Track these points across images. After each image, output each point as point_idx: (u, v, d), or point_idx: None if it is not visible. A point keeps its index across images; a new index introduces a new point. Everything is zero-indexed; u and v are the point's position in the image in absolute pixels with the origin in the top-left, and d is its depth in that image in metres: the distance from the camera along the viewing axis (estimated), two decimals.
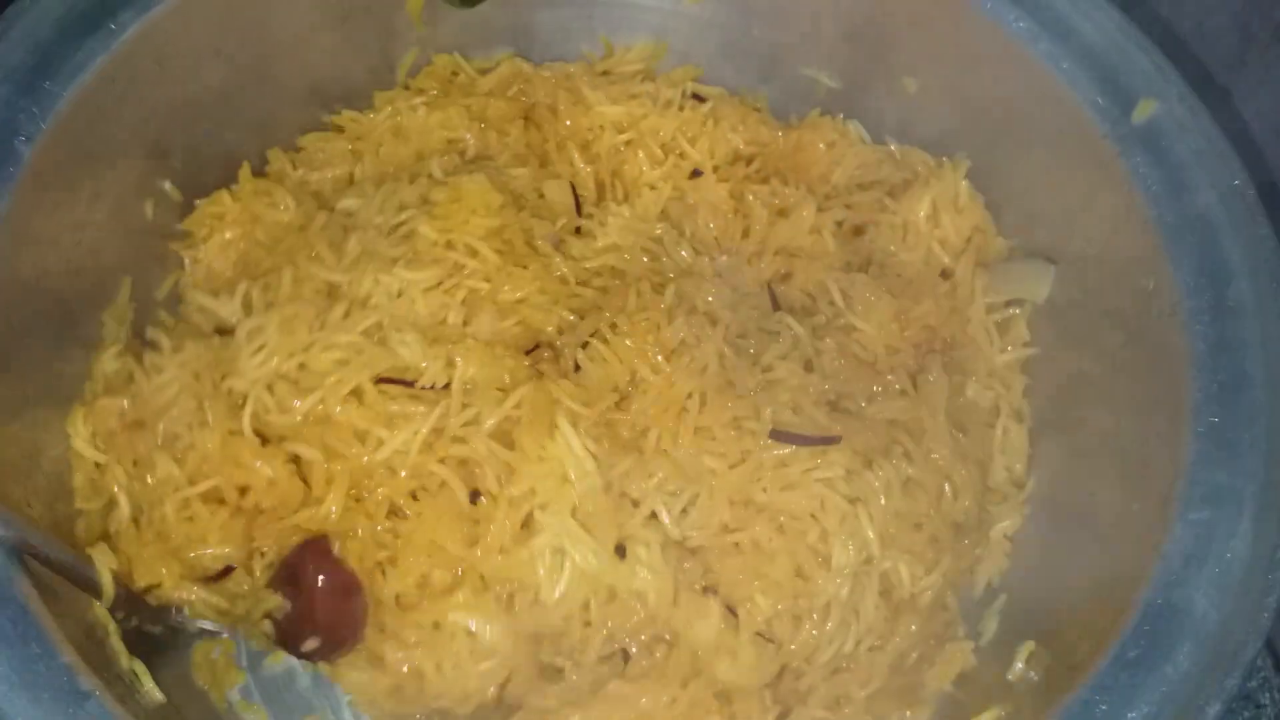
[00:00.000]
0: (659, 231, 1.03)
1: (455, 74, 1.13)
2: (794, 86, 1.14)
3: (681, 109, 1.11)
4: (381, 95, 1.11)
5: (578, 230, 1.03)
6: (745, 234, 1.05)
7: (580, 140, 1.09)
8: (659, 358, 0.90)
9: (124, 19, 0.89)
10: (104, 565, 0.79)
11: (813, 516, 0.87)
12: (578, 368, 0.91)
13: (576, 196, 1.05)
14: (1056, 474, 0.94)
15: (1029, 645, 0.85)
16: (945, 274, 1.03)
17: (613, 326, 0.91)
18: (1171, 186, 0.87)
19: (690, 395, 0.88)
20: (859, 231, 1.06)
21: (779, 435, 0.87)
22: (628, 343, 0.90)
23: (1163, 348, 0.83)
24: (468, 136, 1.07)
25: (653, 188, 1.07)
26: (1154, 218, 0.86)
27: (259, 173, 1.06)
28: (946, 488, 0.91)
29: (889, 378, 0.94)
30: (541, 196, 1.03)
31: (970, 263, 1.02)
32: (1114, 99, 0.91)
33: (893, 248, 1.04)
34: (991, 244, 1.04)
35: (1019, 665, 0.84)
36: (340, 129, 1.09)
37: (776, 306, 0.98)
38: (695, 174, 1.08)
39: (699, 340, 0.90)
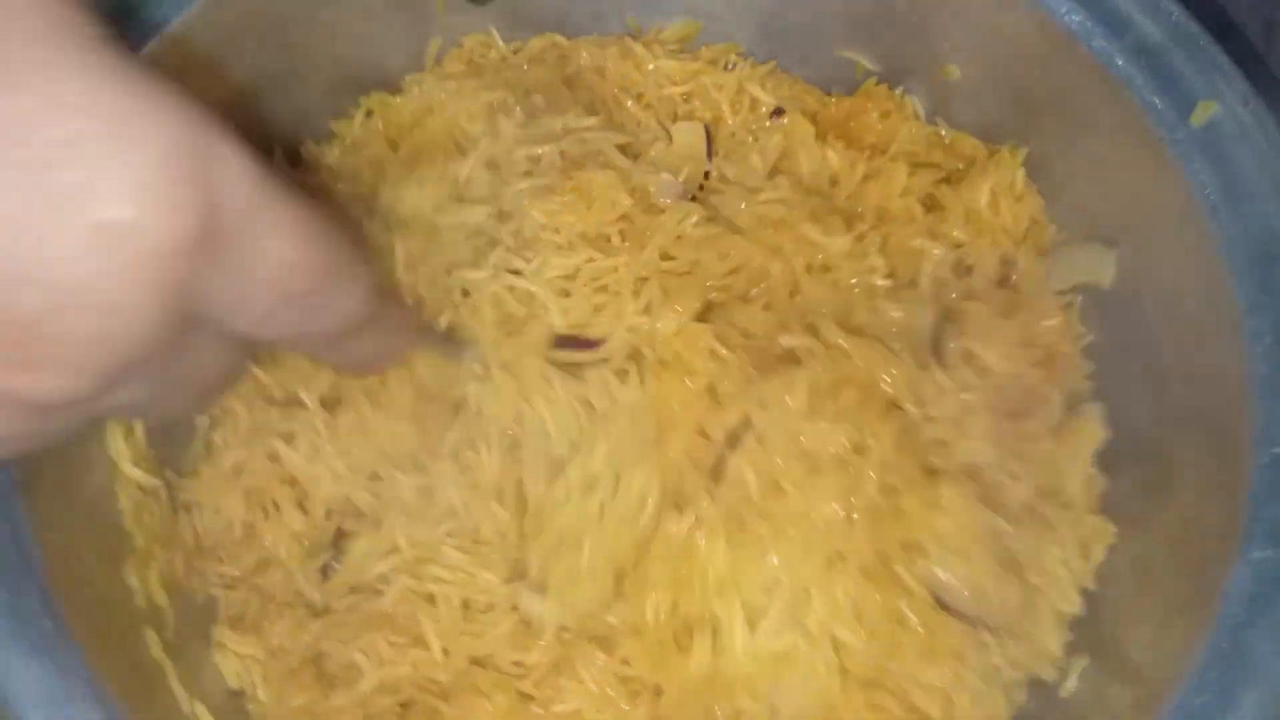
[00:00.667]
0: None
1: (486, 50, 1.10)
2: (833, 69, 1.11)
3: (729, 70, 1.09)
4: (410, 78, 1.09)
5: (706, 176, 1.00)
6: (834, 183, 1.03)
7: (635, 94, 1.07)
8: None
9: (166, 9, 0.87)
10: None
11: None
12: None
13: (709, 138, 1.02)
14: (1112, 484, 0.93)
15: (1082, 661, 0.86)
16: (1006, 261, 1.01)
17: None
18: (1232, 196, 0.84)
19: None
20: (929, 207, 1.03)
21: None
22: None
23: (1219, 369, 0.82)
24: (509, 99, 1.02)
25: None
26: (1212, 229, 0.84)
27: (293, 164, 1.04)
28: None
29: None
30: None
31: (1032, 253, 1.00)
32: (1172, 100, 0.88)
33: (957, 233, 1.01)
34: (1046, 233, 1.02)
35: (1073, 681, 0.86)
36: (370, 112, 1.06)
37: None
38: (777, 113, 1.06)
39: None
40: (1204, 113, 0.87)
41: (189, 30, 0.89)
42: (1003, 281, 1.00)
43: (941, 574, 0.83)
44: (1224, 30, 0.90)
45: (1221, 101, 0.87)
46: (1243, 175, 0.85)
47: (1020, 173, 1.02)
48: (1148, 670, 0.76)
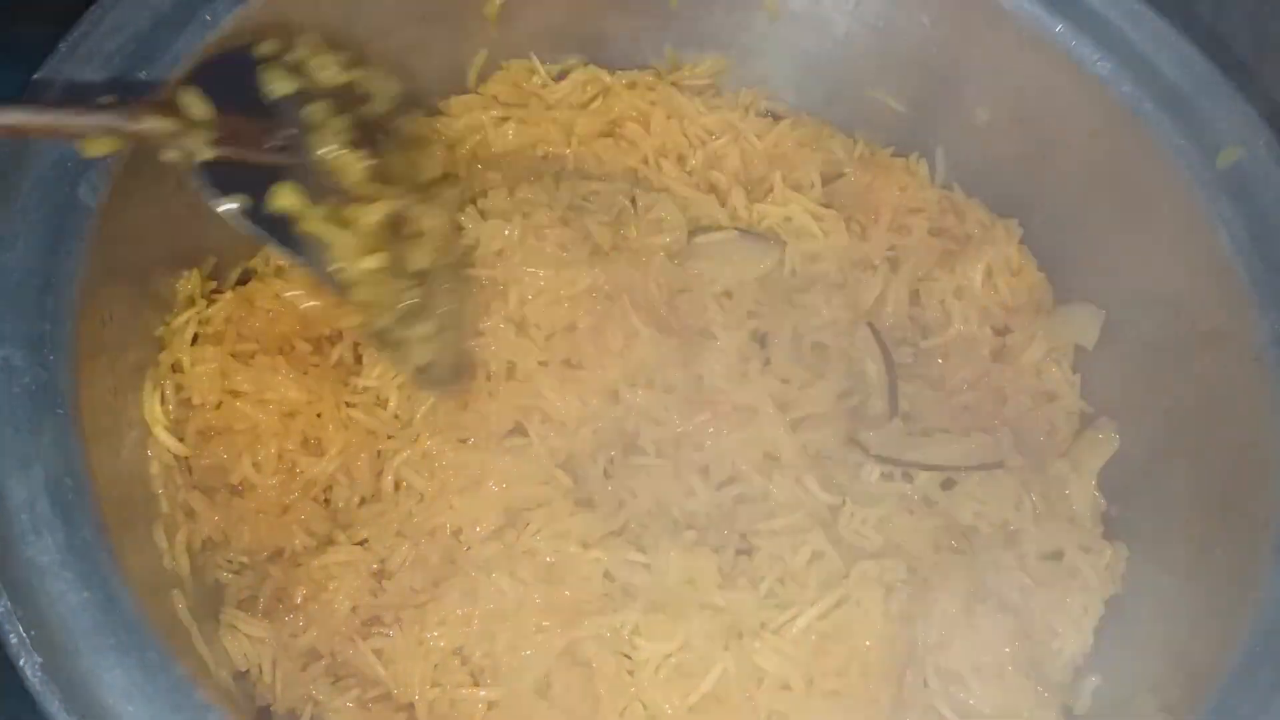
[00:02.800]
0: None
1: (530, 74, 1.13)
2: (861, 108, 1.15)
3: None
4: (459, 102, 1.11)
5: None
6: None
7: (676, 155, 1.10)
8: None
9: (218, 10, 0.88)
10: None
11: None
12: None
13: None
14: (1133, 507, 0.96)
15: (1093, 680, 0.88)
16: (999, 332, 1.05)
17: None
18: (1257, 233, 0.89)
19: None
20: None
21: None
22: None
23: (1246, 394, 0.85)
24: (566, 152, 1.07)
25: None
26: (1239, 263, 0.88)
27: None
28: None
29: None
30: None
31: (1029, 319, 1.04)
32: (1197, 143, 0.93)
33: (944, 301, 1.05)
34: (1046, 300, 1.06)
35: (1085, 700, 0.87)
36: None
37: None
38: None
39: None
40: (1230, 156, 0.91)
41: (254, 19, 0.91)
42: (996, 354, 1.03)
43: None
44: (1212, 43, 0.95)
45: (1247, 146, 0.91)
46: (1266, 215, 0.89)
47: (1016, 249, 1.06)
48: (1178, 673, 0.77)
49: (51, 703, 0.60)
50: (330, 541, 0.89)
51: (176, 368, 0.90)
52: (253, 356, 0.92)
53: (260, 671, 0.85)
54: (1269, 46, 1.05)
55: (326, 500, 0.93)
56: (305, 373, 0.93)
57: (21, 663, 0.61)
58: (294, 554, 0.89)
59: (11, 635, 0.61)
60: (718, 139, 1.11)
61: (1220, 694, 0.71)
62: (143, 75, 0.84)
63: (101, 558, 0.65)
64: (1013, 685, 0.85)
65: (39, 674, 0.61)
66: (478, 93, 1.12)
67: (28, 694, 0.61)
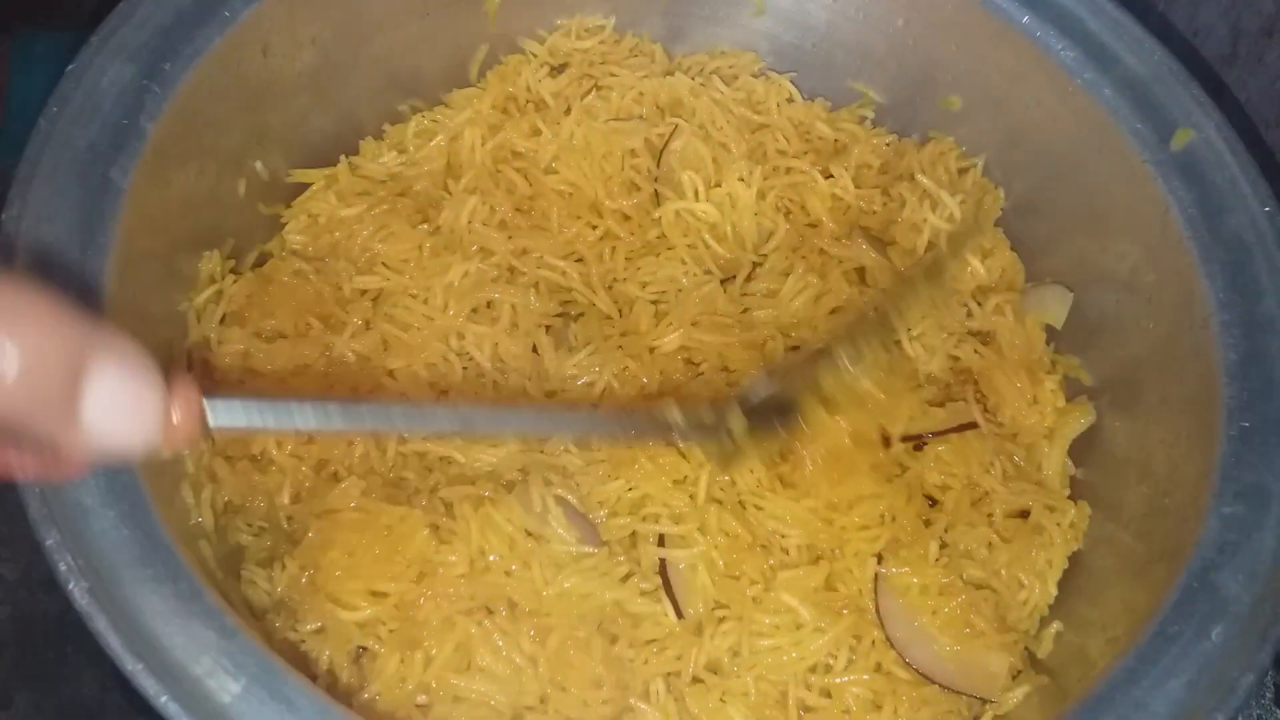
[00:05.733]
0: None
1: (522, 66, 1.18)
2: (843, 98, 1.21)
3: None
4: (460, 95, 1.16)
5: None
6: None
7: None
8: None
9: (235, 5, 0.94)
10: None
11: None
12: None
13: None
14: (1094, 469, 1.02)
15: (1055, 627, 0.94)
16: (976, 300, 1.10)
17: None
18: (1206, 210, 0.95)
19: None
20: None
21: None
22: None
23: (1196, 358, 0.91)
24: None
25: None
26: (1189, 238, 0.94)
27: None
28: None
29: None
30: None
31: (1001, 296, 1.09)
32: (1153, 127, 0.99)
33: None
34: (1018, 279, 1.12)
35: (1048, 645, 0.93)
36: (434, 124, 1.14)
37: None
38: None
39: None
40: (1182, 139, 0.98)
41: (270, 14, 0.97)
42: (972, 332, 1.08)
43: None
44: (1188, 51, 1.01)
45: (1199, 129, 0.97)
46: (1216, 193, 0.95)
47: (991, 230, 1.12)
48: (1125, 613, 0.83)
49: (99, 621, 0.66)
50: None
51: (204, 344, 0.96)
52: (273, 340, 0.98)
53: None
54: (1244, 41, 1.12)
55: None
56: (324, 354, 0.98)
57: (71, 586, 0.67)
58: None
59: (61, 564, 0.68)
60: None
61: (1160, 623, 0.78)
62: (167, 67, 0.90)
63: (138, 501, 0.72)
64: (979, 633, 0.91)
65: (86, 597, 0.67)
66: (478, 86, 1.17)
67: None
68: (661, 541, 0.91)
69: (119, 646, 0.66)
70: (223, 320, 0.97)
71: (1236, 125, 0.98)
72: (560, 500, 0.90)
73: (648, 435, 0.87)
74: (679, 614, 0.89)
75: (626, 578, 0.90)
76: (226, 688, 0.66)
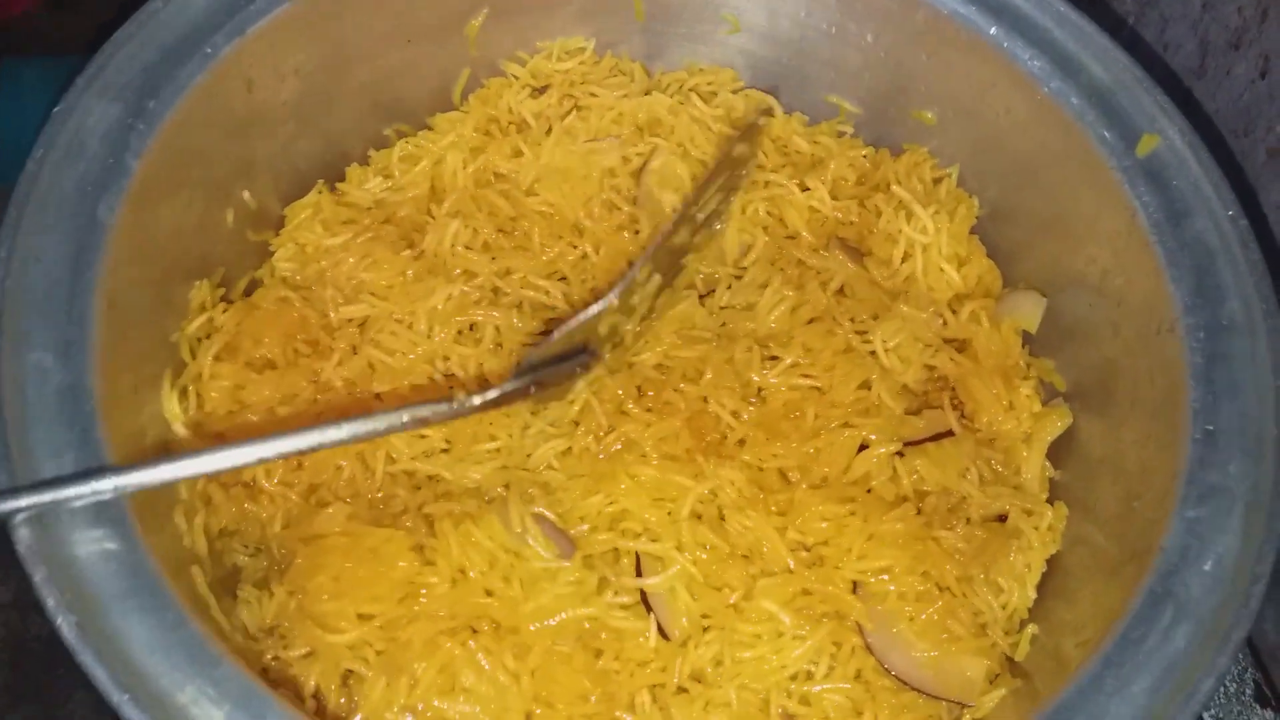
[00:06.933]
0: None
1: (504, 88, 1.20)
2: (819, 111, 1.23)
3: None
4: (443, 119, 1.19)
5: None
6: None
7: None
8: None
9: (217, 42, 0.97)
10: None
11: None
12: None
13: None
14: (1069, 470, 1.03)
15: (1032, 629, 0.96)
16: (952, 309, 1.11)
17: None
18: (1171, 214, 0.96)
19: None
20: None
21: None
22: None
23: (1162, 361, 0.92)
24: None
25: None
26: (1155, 242, 0.95)
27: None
28: None
29: None
30: None
31: (976, 304, 1.10)
32: (1119, 133, 1.00)
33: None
34: (995, 285, 1.14)
35: (1024, 647, 0.95)
36: (418, 149, 1.16)
37: None
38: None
39: None
40: (1148, 145, 0.99)
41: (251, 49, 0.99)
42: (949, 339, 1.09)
43: None
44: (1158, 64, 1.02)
45: (1163, 135, 0.99)
46: (1181, 197, 0.97)
47: (966, 237, 1.14)
48: (1097, 615, 0.85)
49: (86, 654, 0.69)
50: None
51: (196, 376, 0.97)
52: (263, 370, 1.00)
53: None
54: (1212, 54, 1.13)
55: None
56: (313, 381, 1.00)
57: (59, 621, 0.70)
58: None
59: (50, 598, 0.70)
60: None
61: (1124, 628, 0.79)
62: (151, 105, 0.92)
63: (126, 532, 0.74)
64: (956, 638, 0.93)
65: (74, 631, 0.70)
66: (462, 109, 1.20)
67: None
68: (639, 569, 0.93)
69: (105, 679, 0.69)
70: (217, 357, 0.99)
71: (1204, 135, 0.99)
72: (539, 517, 0.92)
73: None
74: (665, 636, 0.91)
75: (601, 589, 0.92)
76: (210, 715, 0.69)
